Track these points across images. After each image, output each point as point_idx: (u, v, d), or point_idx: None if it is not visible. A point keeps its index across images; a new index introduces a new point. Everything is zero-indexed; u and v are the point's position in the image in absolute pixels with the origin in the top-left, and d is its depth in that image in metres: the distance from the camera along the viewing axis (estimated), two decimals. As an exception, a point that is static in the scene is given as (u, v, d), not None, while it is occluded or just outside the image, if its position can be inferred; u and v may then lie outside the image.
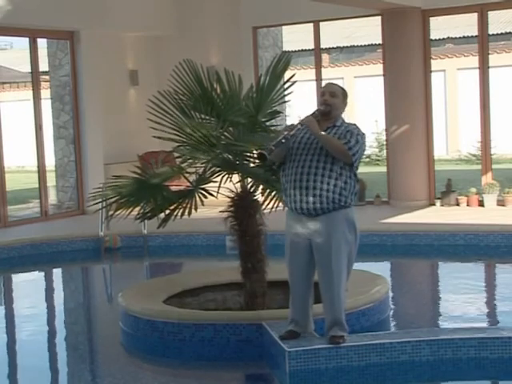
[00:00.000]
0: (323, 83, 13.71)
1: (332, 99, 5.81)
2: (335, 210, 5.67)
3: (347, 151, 5.63)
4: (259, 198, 6.90)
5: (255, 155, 5.72)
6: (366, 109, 23.05)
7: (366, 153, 22.74)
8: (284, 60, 7.00)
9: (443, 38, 25.90)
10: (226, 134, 6.82)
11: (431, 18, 13.00)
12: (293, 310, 5.96)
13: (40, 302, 9.18)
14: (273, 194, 6.80)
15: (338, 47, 28.42)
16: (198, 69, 6.83)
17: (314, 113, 5.80)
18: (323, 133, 5.68)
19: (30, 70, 13.30)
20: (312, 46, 14.27)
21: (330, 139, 5.67)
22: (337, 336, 5.74)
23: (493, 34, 21.58)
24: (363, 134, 5.81)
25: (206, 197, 6.78)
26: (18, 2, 12.23)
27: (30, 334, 7.50)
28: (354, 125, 5.86)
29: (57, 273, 10.97)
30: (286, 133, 5.64)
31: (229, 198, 6.81)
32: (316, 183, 5.63)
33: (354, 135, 5.72)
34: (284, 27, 15.43)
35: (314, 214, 5.67)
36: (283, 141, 5.62)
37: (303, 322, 5.93)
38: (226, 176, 6.82)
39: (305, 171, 5.67)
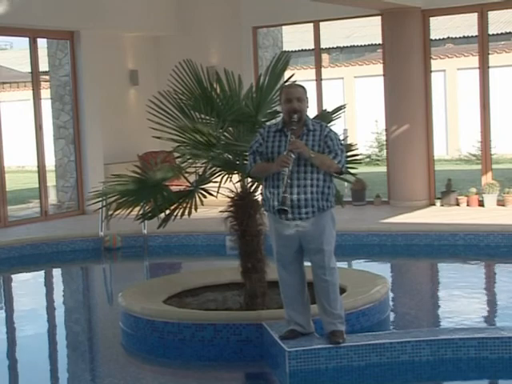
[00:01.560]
0: (323, 83, 13.78)
1: (300, 104, 5.75)
2: (323, 212, 5.74)
3: (337, 165, 5.74)
4: (259, 198, 6.90)
5: (277, 212, 5.69)
6: (366, 109, 23.06)
7: (366, 153, 22.73)
8: (283, 59, 6.99)
9: (443, 38, 25.90)
10: (225, 134, 6.82)
11: (431, 18, 13.00)
12: (292, 313, 5.94)
13: (40, 302, 9.17)
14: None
15: (338, 47, 28.42)
16: (198, 69, 6.83)
17: (291, 129, 5.70)
18: (313, 155, 5.66)
19: (30, 70, 13.30)
20: (312, 46, 14.28)
21: (321, 160, 5.69)
22: (337, 331, 5.74)
23: (493, 34, 21.59)
24: (337, 134, 5.86)
25: (205, 197, 6.78)
26: (18, 2, 12.24)
27: (29, 334, 7.50)
28: (327, 127, 5.84)
29: (57, 273, 10.97)
30: (287, 170, 5.58)
31: (229, 197, 6.81)
32: (306, 195, 5.68)
33: (335, 141, 5.75)
34: (284, 27, 15.43)
35: (304, 219, 5.71)
36: (289, 181, 5.61)
37: (303, 321, 5.93)
38: (226, 176, 6.82)
39: (294, 183, 5.68)
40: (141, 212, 6.92)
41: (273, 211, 5.76)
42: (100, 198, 6.96)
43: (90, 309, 8.73)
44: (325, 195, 5.74)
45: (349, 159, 6.81)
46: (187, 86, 6.85)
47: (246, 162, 6.83)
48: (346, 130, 14.14)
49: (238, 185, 6.83)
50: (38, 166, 13.20)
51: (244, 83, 7.01)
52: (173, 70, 6.81)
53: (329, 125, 6.58)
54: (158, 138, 6.89)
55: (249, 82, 7.24)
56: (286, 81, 7.01)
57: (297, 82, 6.59)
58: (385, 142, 14.67)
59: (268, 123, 6.71)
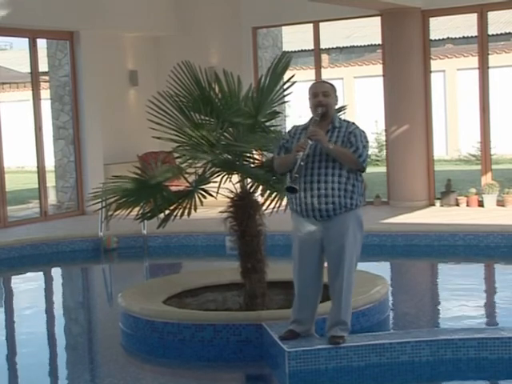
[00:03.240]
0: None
1: (326, 99, 5.75)
2: (346, 211, 5.67)
3: (358, 160, 5.63)
4: (259, 198, 6.89)
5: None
6: (366, 109, 23.06)
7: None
8: (284, 60, 6.99)
9: (443, 39, 25.90)
10: (225, 134, 6.82)
11: (431, 19, 13.00)
12: (299, 311, 5.92)
13: (39, 302, 9.17)
14: (273, 195, 6.80)
15: (337, 47, 28.42)
16: (196, 70, 6.83)
17: (315, 120, 5.72)
18: (332, 146, 5.61)
19: (29, 71, 13.30)
20: (312, 47, 14.27)
21: (340, 151, 5.62)
22: (337, 336, 5.74)
23: (492, 35, 21.59)
24: (364, 132, 5.78)
25: (205, 197, 6.78)
26: (18, 3, 12.23)
27: (29, 334, 7.49)
28: (354, 124, 5.81)
29: (56, 273, 10.97)
30: (301, 154, 5.53)
31: (228, 198, 6.81)
32: (327, 191, 5.60)
33: (359, 137, 5.67)
34: (284, 28, 15.43)
35: (325, 218, 5.67)
36: (302, 163, 5.56)
37: (309, 322, 5.91)
38: (226, 176, 6.81)
39: (314, 179, 5.63)
40: (140, 212, 6.92)
41: (304, 214, 5.67)
42: (100, 199, 6.96)
43: (89, 309, 8.73)
44: (348, 193, 5.63)
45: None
46: (186, 87, 6.85)
47: (245, 162, 6.86)
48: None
49: (238, 185, 6.83)
50: (38, 167, 13.19)
51: (244, 83, 7.00)
52: (171, 71, 6.81)
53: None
54: (158, 138, 6.89)
55: (248, 83, 7.25)
56: (287, 81, 7.01)
57: (297, 83, 6.64)
58: (384, 143, 14.69)
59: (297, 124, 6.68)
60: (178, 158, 6.93)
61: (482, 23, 12.68)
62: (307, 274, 5.82)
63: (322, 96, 5.74)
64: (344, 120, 5.90)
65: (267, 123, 6.97)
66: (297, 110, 16.16)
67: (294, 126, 6.03)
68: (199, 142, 6.69)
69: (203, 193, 6.78)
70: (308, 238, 5.73)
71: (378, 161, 22.02)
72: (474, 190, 12.82)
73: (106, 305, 8.81)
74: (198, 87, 6.80)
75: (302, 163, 5.55)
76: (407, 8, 12.67)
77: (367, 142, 5.74)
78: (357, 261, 5.84)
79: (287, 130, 6.01)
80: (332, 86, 5.87)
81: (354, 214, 5.70)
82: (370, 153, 6.01)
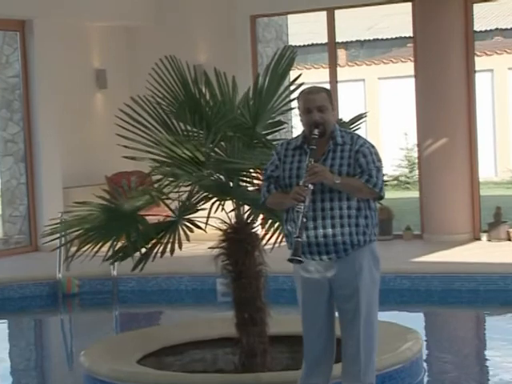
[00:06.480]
0: (339, 86, 13.85)
1: (323, 115, 5.60)
2: (359, 248, 5.62)
3: (373, 189, 5.57)
4: (259, 230, 6.92)
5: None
6: (393, 119, 23.17)
7: (393, 174, 22.77)
8: (288, 56, 7.02)
9: (490, 30, 26.09)
10: (217, 149, 6.85)
11: (475, 5, 13.09)
12: (307, 376, 5.91)
13: (-19, 362, 9.18)
14: (276, 225, 6.81)
15: (357, 41, 28.61)
16: (183, 68, 6.87)
17: (311, 149, 5.59)
18: (338, 180, 5.51)
19: (-30, 70, 13.39)
20: (325, 40, 14.37)
21: (350, 185, 5.54)
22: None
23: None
24: (374, 147, 5.68)
25: (191, 230, 6.80)
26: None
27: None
28: (360, 137, 5.68)
29: (2, 325, 10.96)
30: (302, 207, 5.42)
31: (220, 230, 6.83)
32: (335, 229, 5.51)
33: (369, 158, 5.58)
34: (290, 16, 15.53)
35: (334, 260, 5.62)
36: (304, 220, 5.47)
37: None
38: (218, 203, 6.84)
39: (318, 215, 5.55)
40: (110, 252, 6.88)
41: (308, 257, 5.64)
42: (59, 234, 6.96)
43: (43, 371, 8.73)
44: (360, 228, 5.57)
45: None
46: (169, 89, 6.89)
47: (241, 184, 6.88)
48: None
49: (232, 214, 6.85)
50: (-20, 191, 13.26)
51: (241, 86, 7.03)
52: (152, 68, 6.85)
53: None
54: (132, 158, 6.90)
55: (246, 85, 7.27)
56: (291, 83, 7.05)
57: (306, 85, 6.61)
58: (416, 161, 14.73)
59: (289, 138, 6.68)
60: (158, 181, 6.95)
61: (539, 11, 12.79)
62: (314, 327, 5.76)
63: (318, 112, 5.61)
64: (348, 132, 5.78)
65: (269, 136, 7.00)
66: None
67: (282, 145, 5.85)
68: (184, 159, 6.72)
69: (189, 224, 6.80)
70: (312, 281, 5.68)
71: (408, 183, 22.12)
72: (529, 221, 12.89)
73: (65, 365, 8.83)
74: (185, 90, 6.84)
75: (304, 219, 5.47)
76: (445, -8, 12.78)
77: (380, 160, 5.65)
78: (377, 307, 5.80)
79: (275, 151, 5.83)
80: (327, 91, 5.73)
81: (369, 250, 5.65)
82: (397, 173, 6.01)
